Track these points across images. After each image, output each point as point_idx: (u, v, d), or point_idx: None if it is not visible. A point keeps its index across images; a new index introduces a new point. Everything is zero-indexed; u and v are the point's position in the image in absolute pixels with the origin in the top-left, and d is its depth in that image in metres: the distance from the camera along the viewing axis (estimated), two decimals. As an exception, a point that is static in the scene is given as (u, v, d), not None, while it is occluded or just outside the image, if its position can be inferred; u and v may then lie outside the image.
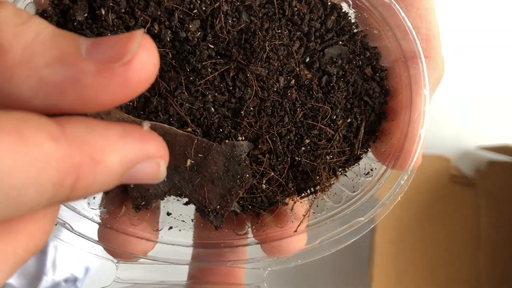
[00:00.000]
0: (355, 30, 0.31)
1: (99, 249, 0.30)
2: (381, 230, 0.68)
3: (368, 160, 0.32)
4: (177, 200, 0.33)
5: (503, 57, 0.80)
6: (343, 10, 0.30)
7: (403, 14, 0.29)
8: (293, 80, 0.30)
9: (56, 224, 0.29)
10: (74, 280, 0.66)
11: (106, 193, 0.32)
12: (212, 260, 0.32)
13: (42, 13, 0.28)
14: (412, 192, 0.69)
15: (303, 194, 0.33)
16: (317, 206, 0.32)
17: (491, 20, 0.80)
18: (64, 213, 0.29)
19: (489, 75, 0.80)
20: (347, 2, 0.30)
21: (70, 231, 0.29)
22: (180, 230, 0.32)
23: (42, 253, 0.61)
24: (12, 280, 0.60)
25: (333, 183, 0.32)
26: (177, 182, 0.30)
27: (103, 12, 0.28)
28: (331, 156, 0.31)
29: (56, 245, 0.61)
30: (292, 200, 0.32)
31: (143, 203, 0.31)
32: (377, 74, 0.31)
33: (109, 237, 0.30)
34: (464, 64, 0.78)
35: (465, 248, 0.72)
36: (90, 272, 0.69)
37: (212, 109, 0.30)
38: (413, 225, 0.70)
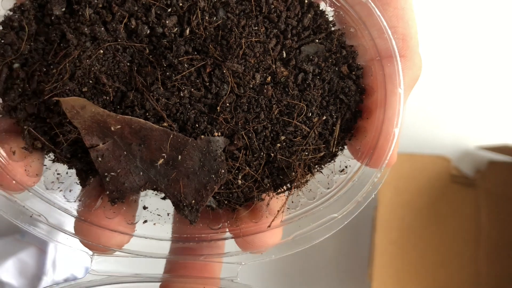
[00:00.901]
0: (332, 29, 0.31)
1: (75, 241, 0.30)
2: (381, 230, 0.68)
3: (343, 157, 0.33)
4: (155, 194, 0.33)
5: (503, 57, 0.80)
6: (321, 8, 0.31)
7: (379, 13, 0.29)
8: (269, 77, 0.30)
9: (31, 216, 0.29)
10: (74, 280, 0.66)
11: (84, 186, 0.32)
12: (188, 254, 0.33)
13: (19, 7, 0.28)
14: (412, 192, 0.70)
15: (279, 190, 0.33)
16: (292, 202, 0.33)
17: (491, 20, 0.80)
18: (40, 205, 0.29)
19: (489, 75, 0.80)
20: (325, 1, 0.30)
21: (45, 224, 0.29)
22: (155, 224, 0.32)
23: (42, 253, 0.62)
24: (12, 280, 0.60)
25: (309, 180, 0.33)
26: (153, 176, 0.31)
27: (80, 7, 0.28)
28: (307, 153, 0.32)
29: (56, 245, 0.61)
30: (268, 196, 0.33)
31: (119, 196, 0.31)
32: (353, 73, 0.31)
33: (84, 230, 0.30)
34: (464, 65, 0.78)
35: (465, 248, 0.71)
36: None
37: (188, 104, 0.30)
38: (413, 225, 0.70)
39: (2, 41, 0.28)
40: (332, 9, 0.31)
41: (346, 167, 0.33)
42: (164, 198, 0.33)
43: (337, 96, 0.31)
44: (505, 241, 0.71)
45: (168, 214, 0.33)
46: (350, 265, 0.76)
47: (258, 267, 0.72)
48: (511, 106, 0.79)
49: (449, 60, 0.77)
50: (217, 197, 0.32)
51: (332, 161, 0.33)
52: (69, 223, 0.31)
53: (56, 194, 0.31)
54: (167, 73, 0.29)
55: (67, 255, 0.62)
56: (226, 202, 0.32)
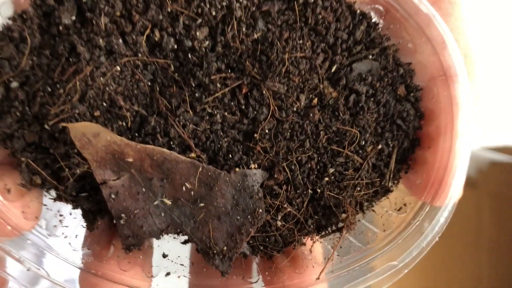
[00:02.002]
0: (386, 43, 0.27)
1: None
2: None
3: (399, 192, 0.28)
4: (174, 238, 0.28)
5: (506, 59, 0.78)
6: (373, 20, 0.26)
7: (443, 25, 0.25)
8: (316, 99, 0.26)
9: (28, 270, 0.23)
10: (73, 281, 0.62)
11: (91, 230, 0.26)
12: None
13: (21, 15, 0.24)
14: None
15: (323, 233, 0.28)
16: (341, 247, 0.27)
17: (494, 21, 0.80)
18: (40, 255, 0.24)
19: (491, 76, 0.79)
20: (378, 11, 0.26)
21: (46, 278, 0.24)
22: (179, 277, 0.27)
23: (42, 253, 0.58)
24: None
25: (359, 220, 0.28)
26: (177, 217, 0.25)
27: (94, 15, 0.23)
28: (359, 189, 0.27)
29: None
30: (311, 240, 0.28)
31: (135, 242, 0.25)
32: (411, 94, 0.27)
33: (93, 286, 0.24)
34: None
35: (466, 248, 0.71)
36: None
37: (221, 131, 0.25)
38: None
39: (-2, 55, 0.23)
40: (384, 22, 0.27)
41: (404, 204, 0.28)
42: (185, 242, 0.28)
43: (394, 121, 0.27)
44: (506, 241, 0.70)
45: (193, 264, 0.28)
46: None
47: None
48: None
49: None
50: (251, 241, 0.27)
51: (386, 197, 0.28)
52: (75, 277, 0.25)
53: (59, 241, 0.25)
54: (196, 95, 0.25)
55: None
56: (261, 247, 0.27)
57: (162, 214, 0.25)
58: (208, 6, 0.24)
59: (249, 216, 0.25)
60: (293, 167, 0.26)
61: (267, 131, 0.25)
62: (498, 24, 0.75)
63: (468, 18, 0.28)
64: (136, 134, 0.25)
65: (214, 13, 0.24)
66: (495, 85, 0.79)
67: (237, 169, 0.25)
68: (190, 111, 0.25)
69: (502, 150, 0.72)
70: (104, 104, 0.24)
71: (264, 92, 0.25)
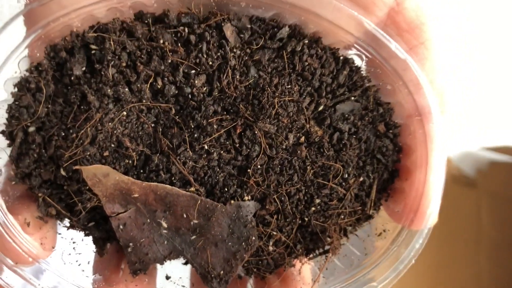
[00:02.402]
0: (367, 85, 0.29)
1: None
2: None
3: (380, 219, 0.31)
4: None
5: (505, 59, 0.80)
6: (356, 65, 0.29)
7: (418, 70, 0.28)
8: (303, 137, 0.29)
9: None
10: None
11: (102, 256, 0.29)
12: None
13: (37, 66, 0.26)
14: None
15: (311, 255, 0.31)
16: (327, 269, 0.30)
17: (491, 22, 0.80)
18: (55, 281, 0.27)
19: (490, 77, 0.79)
20: (360, 57, 0.29)
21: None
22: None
23: None
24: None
25: (343, 244, 0.30)
26: (178, 245, 0.28)
27: (102, 66, 0.26)
28: (343, 216, 0.29)
29: None
30: (300, 262, 0.30)
31: (141, 267, 0.28)
32: (390, 131, 0.30)
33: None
34: (465, 66, 0.78)
35: (466, 248, 0.70)
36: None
37: (217, 167, 0.28)
38: None
39: (18, 103, 0.26)
40: (366, 65, 0.30)
41: (383, 230, 0.31)
42: (186, 263, 0.31)
43: (374, 155, 0.29)
44: (505, 240, 0.70)
45: (193, 285, 0.31)
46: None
47: None
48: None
49: (450, 61, 0.76)
50: (246, 264, 0.30)
51: (368, 223, 0.31)
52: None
53: (73, 268, 0.28)
54: (195, 135, 0.27)
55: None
56: (255, 269, 0.30)
57: (165, 242, 0.28)
58: (205, 56, 0.27)
59: (243, 243, 0.28)
60: (283, 198, 0.29)
61: (259, 166, 0.28)
62: (498, 24, 0.76)
63: (442, 61, 0.30)
64: (141, 171, 0.27)
65: (210, 62, 0.27)
66: (494, 85, 0.80)
67: (232, 201, 0.28)
68: (190, 150, 0.27)
69: (501, 150, 0.72)
70: (112, 145, 0.27)
71: (256, 132, 0.28)
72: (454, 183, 0.71)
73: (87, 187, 0.27)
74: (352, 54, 0.29)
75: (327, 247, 0.30)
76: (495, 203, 0.70)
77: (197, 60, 0.27)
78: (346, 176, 0.29)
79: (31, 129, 0.26)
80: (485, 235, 0.70)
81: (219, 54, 0.27)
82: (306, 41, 0.28)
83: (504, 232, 0.70)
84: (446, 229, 0.69)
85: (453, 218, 0.70)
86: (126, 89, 0.27)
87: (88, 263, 0.28)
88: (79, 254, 0.29)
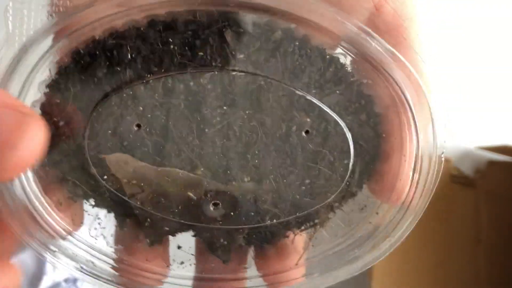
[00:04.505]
0: (350, 80, 0.34)
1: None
2: None
3: (363, 196, 0.35)
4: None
5: (503, 58, 0.81)
6: (341, 62, 0.33)
7: (392, 67, 0.32)
8: (294, 126, 0.33)
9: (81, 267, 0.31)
10: (74, 281, 0.67)
11: (122, 229, 0.34)
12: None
13: (65, 69, 0.30)
14: None
15: (302, 228, 0.35)
16: (316, 238, 0.35)
17: (487, 21, 0.80)
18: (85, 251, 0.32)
19: (488, 75, 0.81)
20: (345, 55, 0.33)
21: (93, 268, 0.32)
22: (191, 265, 0.35)
23: None
24: None
25: (331, 218, 0.35)
26: (188, 220, 0.33)
27: (121, 68, 0.30)
28: (329, 194, 0.34)
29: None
30: (293, 233, 0.35)
31: (157, 239, 0.33)
32: (371, 120, 0.34)
33: (125, 272, 0.32)
34: (463, 65, 0.79)
35: (465, 248, 0.71)
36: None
37: (221, 153, 0.32)
38: None
39: (49, 102, 0.30)
40: (351, 62, 0.34)
41: (365, 206, 0.35)
42: (195, 235, 0.36)
43: (357, 141, 0.34)
44: (504, 241, 0.71)
45: (200, 253, 0.36)
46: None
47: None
48: (510, 106, 0.81)
49: (448, 60, 0.78)
50: (246, 236, 0.35)
51: (352, 199, 0.35)
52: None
53: (98, 240, 0.33)
54: (201, 126, 0.32)
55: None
56: (254, 240, 0.35)
57: (177, 218, 0.33)
58: (209, 58, 0.31)
59: (243, 218, 0.33)
60: (277, 179, 0.33)
61: (256, 152, 0.33)
62: (498, 24, 0.78)
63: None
64: (156, 158, 0.32)
65: (213, 63, 0.31)
66: (493, 84, 0.82)
67: (234, 183, 0.33)
68: (197, 139, 0.32)
69: (500, 150, 0.73)
70: (131, 136, 0.31)
71: (253, 123, 0.32)
72: (453, 182, 0.72)
73: (110, 172, 0.31)
74: (337, 53, 0.33)
75: (316, 221, 0.35)
76: (494, 203, 0.71)
77: (202, 61, 0.31)
78: (332, 159, 0.34)
79: (61, 123, 0.31)
80: (484, 235, 0.71)
81: (221, 55, 0.31)
82: (297, 43, 0.32)
83: (503, 231, 0.71)
84: (444, 228, 0.71)
85: (452, 218, 0.72)
86: (142, 88, 0.31)
87: (111, 235, 0.33)
88: (103, 228, 0.33)
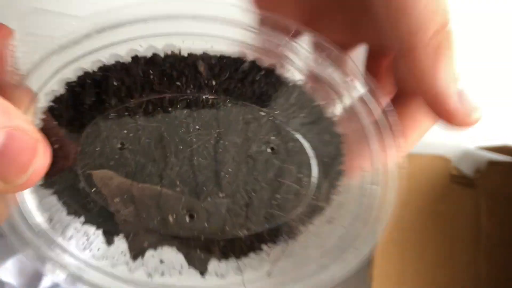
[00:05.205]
0: (313, 104, 0.38)
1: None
2: None
3: (332, 209, 0.38)
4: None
5: (503, 56, 0.80)
6: (302, 89, 0.37)
7: (346, 93, 0.36)
8: (263, 146, 0.37)
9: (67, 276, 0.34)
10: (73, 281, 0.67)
11: (109, 245, 0.37)
12: None
13: (59, 98, 0.35)
14: (412, 192, 0.70)
15: (275, 240, 0.38)
16: (288, 250, 0.38)
17: (486, 21, 0.79)
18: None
19: (487, 75, 0.79)
20: (307, 82, 0.37)
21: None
22: (171, 276, 0.37)
23: None
24: (12, 280, 0.61)
25: (302, 230, 0.38)
26: (168, 235, 0.36)
27: (107, 97, 0.35)
28: (299, 208, 0.37)
29: None
30: (268, 247, 0.38)
31: (140, 253, 0.36)
32: (334, 139, 0.38)
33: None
34: (462, 64, 0.79)
35: (465, 248, 0.70)
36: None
37: (197, 171, 0.36)
38: (413, 225, 0.70)
39: (45, 127, 0.35)
40: (311, 89, 0.38)
41: (333, 218, 0.38)
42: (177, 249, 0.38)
43: (321, 159, 0.37)
44: (504, 240, 0.70)
45: (181, 266, 0.38)
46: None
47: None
48: (510, 107, 0.80)
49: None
50: (223, 249, 0.37)
51: (320, 213, 0.38)
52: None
53: (86, 254, 0.36)
54: (179, 147, 0.36)
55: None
56: (231, 253, 0.38)
57: (157, 233, 0.36)
58: (184, 87, 0.35)
59: (219, 232, 0.36)
60: (250, 194, 0.36)
61: (230, 170, 0.36)
62: (498, 20, 0.77)
63: None
64: (139, 175, 0.36)
65: (188, 91, 0.36)
66: (492, 84, 0.79)
67: (209, 199, 0.36)
68: (175, 158, 0.36)
69: (500, 149, 0.72)
70: (116, 156, 0.35)
71: (226, 143, 0.36)
72: (453, 182, 0.71)
73: (98, 190, 0.35)
74: (299, 80, 0.37)
75: (288, 234, 0.38)
76: (494, 203, 0.70)
77: (178, 90, 0.36)
78: (300, 175, 0.37)
79: (56, 146, 0.35)
80: (484, 235, 0.70)
81: (195, 84, 0.36)
82: (263, 72, 0.36)
83: (503, 231, 0.70)
84: (445, 228, 0.70)
85: (452, 218, 0.71)
86: (126, 113, 0.35)
87: (98, 250, 0.36)
88: (91, 243, 0.37)
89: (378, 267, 0.66)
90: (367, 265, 0.69)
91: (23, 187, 0.29)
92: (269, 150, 0.37)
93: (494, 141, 0.76)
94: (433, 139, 0.73)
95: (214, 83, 0.36)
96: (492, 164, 0.71)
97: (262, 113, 0.37)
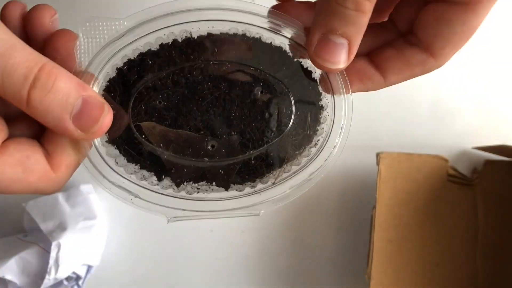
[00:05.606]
0: (293, 60, 0.51)
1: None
2: (379, 229, 0.69)
3: (316, 136, 0.51)
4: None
5: (502, 56, 0.81)
6: (284, 49, 0.51)
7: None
8: (259, 93, 0.50)
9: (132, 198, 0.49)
10: (76, 279, 0.70)
11: (160, 180, 0.52)
12: None
13: (112, 79, 0.50)
14: (410, 192, 0.73)
15: (278, 164, 0.52)
16: (285, 172, 0.51)
17: (492, 20, 0.80)
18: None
19: (485, 75, 0.81)
20: (284, 44, 0.51)
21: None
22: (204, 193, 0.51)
23: (44, 252, 0.65)
24: (15, 279, 0.63)
25: (297, 154, 0.51)
26: (200, 166, 0.50)
27: (145, 73, 0.50)
28: (292, 137, 0.50)
29: (59, 243, 0.64)
30: (271, 167, 0.51)
31: (181, 182, 0.51)
32: (311, 84, 0.51)
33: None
34: (461, 64, 0.79)
35: (462, 247, 0.72)
36: (92, 271, 0.72)
37: (213, 118, 0.50)
38: (411, 224, 0.71)
39: (104, 99, 0.50)
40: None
41: (316, 143, 0.51)
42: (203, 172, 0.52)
43: (302, 98, 0.51)
44: (502, 240, 0.71)
45: (211, 187, 0.52)
46: (349, 264, 0.78)
47: (257, 265, 0.81)
48: (508, 107, 0.81)
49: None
50: (241, 174, 0.51)
51: (308, 139, 0.51)
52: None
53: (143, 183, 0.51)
54: (199, 102, 0.50)
55: (70, 254, 0.66)
56: (246, 176, 0.51)
57: (192, 165, 0.50)
58: (197, 57, 0.50)
59: (235, 159, 0.50)
60: (254, 131, 0.50)
61: (237, 114, 0.50)
62: (498, 20, 0.77)
63: None
64: (173, 127, 0.50)
65: (203, 65, 0.50)
66: (490, 84, 0.82)
67: (224, 136, 0.50)
68: (197, 111, 0.50)
69: (496, 149, 0.73)
70: (156, 114, 0.50)
71: (232, 95, 0.50)
72: (450, 182, 0.72)
73: (146, 138, 0.50)
74: (280, 43, 0.51)
75: (287, 157, 0.51)
76: (491, 203, 0.72)
77: (193, 61, 0.50)
78: (289, 112, 0.50)
79: (114, 111, 0.50)
80: (481, 234, 0.71)
81: (204, 55, 0.50)
82: (251, 41, 0.50)
83: (500, 231, 0.71)
84: (442, 227, 0.71)
85: (449, 217, 0.72)
86: (159, 82, 0.50)
87: (151, 183, 0.51)
88: (146, 179, 0.51)
89: (376, 265, 0.68)
90: (366, 263, 0.71)
91: (96, 134, 0.44)
92: (263, 97, 0.50)
93: (491, 141, 0.77)
94: (432, 139, 0.80)
95: (217, 51, 0.50)
96: (489, 163, 0.72)
97: (255, 70, 0.50)
